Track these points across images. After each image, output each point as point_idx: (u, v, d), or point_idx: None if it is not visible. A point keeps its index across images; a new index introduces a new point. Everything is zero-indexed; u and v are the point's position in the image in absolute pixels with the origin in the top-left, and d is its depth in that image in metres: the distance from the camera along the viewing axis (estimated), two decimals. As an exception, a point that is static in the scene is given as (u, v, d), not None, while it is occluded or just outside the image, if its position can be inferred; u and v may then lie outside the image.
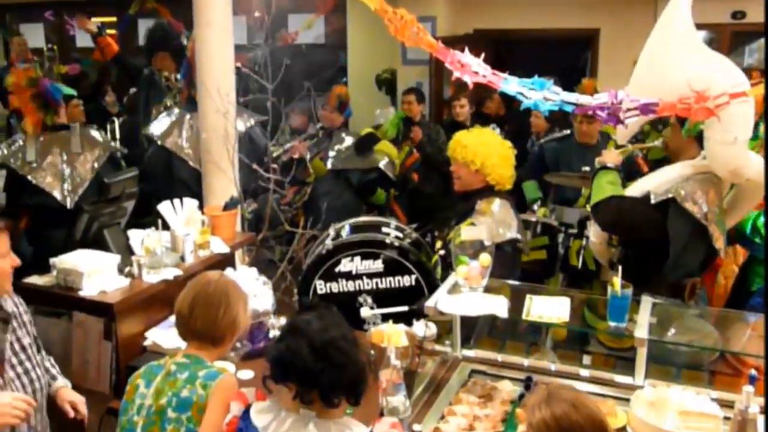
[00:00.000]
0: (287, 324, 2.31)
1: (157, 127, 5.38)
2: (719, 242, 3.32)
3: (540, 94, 2.63)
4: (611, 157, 3.76)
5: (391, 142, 6.28)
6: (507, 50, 8.89)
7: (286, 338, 2.19)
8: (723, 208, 3.47)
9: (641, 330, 2.82)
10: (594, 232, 3.83)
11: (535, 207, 5.10)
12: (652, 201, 3.38)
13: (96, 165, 4.59)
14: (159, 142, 5.25)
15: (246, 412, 2.25)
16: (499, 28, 8.25)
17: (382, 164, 5.95)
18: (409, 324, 3.32)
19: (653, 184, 3.49)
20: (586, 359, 3.28)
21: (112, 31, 9.06)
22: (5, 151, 4.53)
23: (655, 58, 3.24)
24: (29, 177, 4.41)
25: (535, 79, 2.66)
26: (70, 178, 4.45)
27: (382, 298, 3.77)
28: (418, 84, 7.96)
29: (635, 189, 3.57)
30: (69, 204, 4.37)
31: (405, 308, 3.37)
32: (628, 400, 2.78)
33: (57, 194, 4.40)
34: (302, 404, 2.16)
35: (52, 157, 4.48)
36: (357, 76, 8.99)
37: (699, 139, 3.41)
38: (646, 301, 3.06)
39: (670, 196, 3.34)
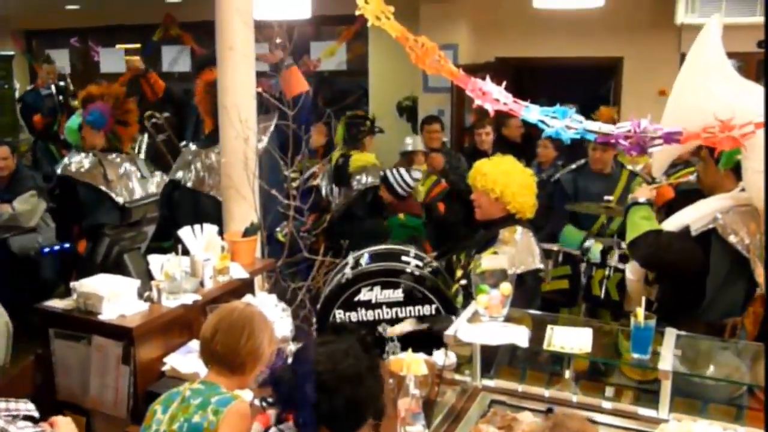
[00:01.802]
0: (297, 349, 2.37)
1: (177, 169, 5.43)
2: (761, 277, 3.23)
3: (562, 122, 2.61)
4: (643, 192, 3.71)
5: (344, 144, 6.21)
6: (529, 79, 8.90)
7: (293, 363, 2.27)
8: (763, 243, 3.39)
9: (665, 362, 2.76)
10: (631, 269, 3.73)
11: (589, 243, 4.95)
12: (693, 233, 3.31)
13: (158, 189, 4.69)
14: (182, 183, 5.31)
15: None
16: (521, 57, 8.26)
17: (369, 182, 5.90)
18: (429, 353, 3.28)
19: (691, 218, 3.41)
20: (609, 391, 3.22)
21: (137, 57, 9.18)
22: (74, 168, 4.61)
23: (686, 88, 3.20)
24: (111, 193, 4.48)
25: (557, 107, 2.64)
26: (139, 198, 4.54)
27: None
28: (439, 112, 7.96)
29: (671, 223, 3.49)
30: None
31: (423, 326, 3.34)
32: (651, 433, 2.73)
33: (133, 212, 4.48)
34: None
35: (124, 176, 4.57)
36: (378, 103, 9.03)
37: (736, 171, 3.36)
38: (671, 333, 3.00)
39: (711, 227, 3.28)
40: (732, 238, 3.22)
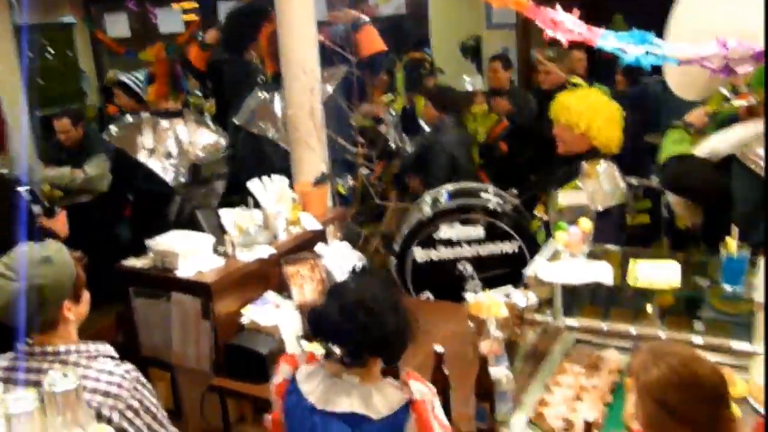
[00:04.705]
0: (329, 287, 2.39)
1: (243, 113, 5.41)
2: None
3: (641, 49, 2.47)
4: (694, 116, 3.52)
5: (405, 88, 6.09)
6: (601, 6, 8.53)
7: (325, 299, 2.26)
8: None
9: (760, 293, 2.64)
10: (669, 194, 3.63)
11: None
12: (713, 159, 3.16)
13: (203, 153, 4.70)
14: (247, 128, 5.30)
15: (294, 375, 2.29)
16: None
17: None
18: (514, 287, 3.20)
19: (722, 143, 3.24)
20: (698, 325, 3.11)
21: (193, 17, 9.18)
22: (118, 133, 4.65)
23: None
24: (145, 162, 4.51)
25: (635, 32, 2.51)
26: (179, 164, 4.53)
27: (482, 265, 3.66)
28: (504, 49, 7.72)
29: (704, 148, 3.32)
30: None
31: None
32: (745, 367, 2.63)
33: (168, 179, 4.47)
34: (345, 368, 2.18)
35: (165, 141, 4.59)
36: (441, 44, 8.81)
37: None
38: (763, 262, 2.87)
39: (730, 153, 3.11)
40: (754, 164, 3.03)
